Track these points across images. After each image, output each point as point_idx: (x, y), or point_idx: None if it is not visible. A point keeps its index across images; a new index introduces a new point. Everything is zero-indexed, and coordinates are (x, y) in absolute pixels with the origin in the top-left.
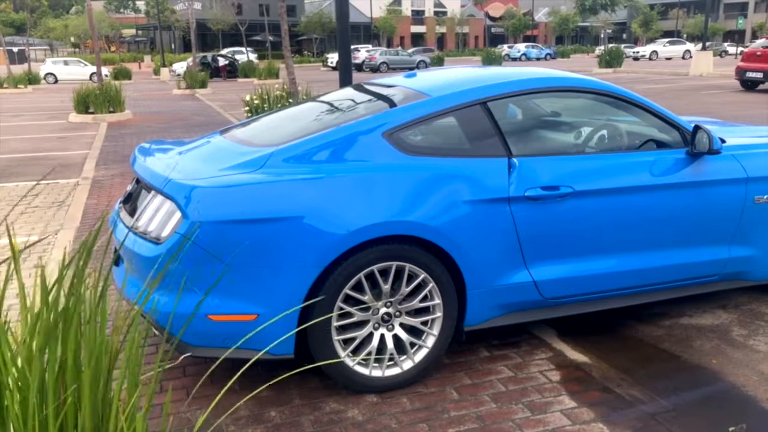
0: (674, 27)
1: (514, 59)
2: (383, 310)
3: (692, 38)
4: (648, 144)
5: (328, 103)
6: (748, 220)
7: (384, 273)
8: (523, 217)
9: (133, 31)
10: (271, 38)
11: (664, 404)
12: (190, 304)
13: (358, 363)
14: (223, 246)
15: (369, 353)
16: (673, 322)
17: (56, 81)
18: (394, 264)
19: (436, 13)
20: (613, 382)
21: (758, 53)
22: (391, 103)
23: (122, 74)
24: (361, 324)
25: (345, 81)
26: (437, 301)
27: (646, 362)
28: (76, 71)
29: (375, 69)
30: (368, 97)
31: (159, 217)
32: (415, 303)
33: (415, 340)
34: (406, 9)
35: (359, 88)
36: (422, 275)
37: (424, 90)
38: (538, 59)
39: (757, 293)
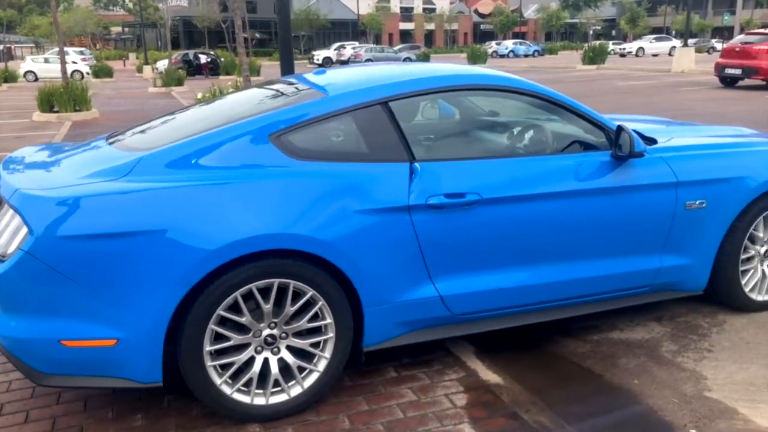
0: (663, 24)
1: (502, 56)
2: (267, 331)
3: (681, 35)
4: (573, 146)
5: (230, 102)
6: (680, 228)
7: (265, 291)
8: (426, 227)
9: (121, 29)
10: (257, 35)
11: None
12: (41, 329)
13: (238, 390)
14: (74, 264)
15: (250, 380)
16: (602, 336)
17: (36, 79)
18: (276, 281)
19: (424, 10)
20: (522, 407)
21: (737, 49)
22: (285, 103)
23: (103, 72)
24: (241, 347)
25: (286, 73)
26: (328, 320)
27: (563, 383)
28: (57, 69)
29: None
30: (269, 94)
31: (6, 232)
32: (303, 323)
33: (304, 364)
34: (395, 6)
35: (269, 84)
36: (310, 293)
37: (323, 88)
38: (526, 56)
39: (695, 304)
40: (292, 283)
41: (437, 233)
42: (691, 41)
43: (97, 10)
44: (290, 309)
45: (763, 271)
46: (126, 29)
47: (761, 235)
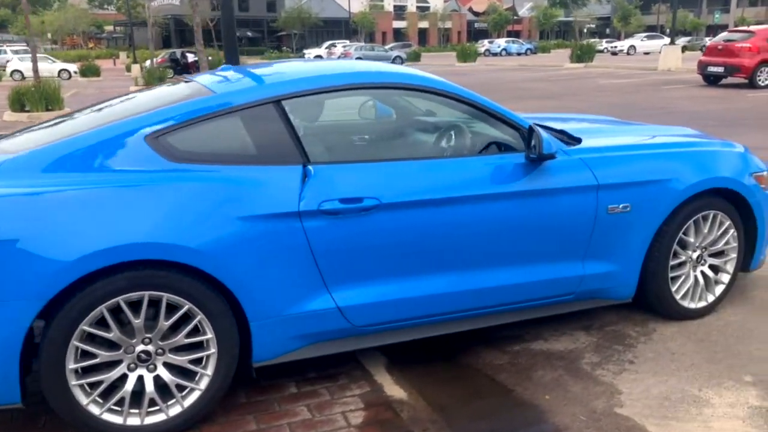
0: (657, 22)
1: (495, 54)
2: (140, 347)
3: (676, 33)
4: (491, 148)
5: (130, 101)
6: (603, 233)
7: (136, 305)
8: (320, 235)
9: (112, 28)
10: (249, 34)
11: None
12: None
13: (109, 410)
14: None
15: (122, 399)
16: (523, 347)
17: (23, 78)
18: (147, 294)
19: (418, 8)
20: (420, 426)
21: (719, 47)
22: (169, 102)
23: (90, 71)
24: (111, 365)
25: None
26: (209, 335)
27: (472, 398)
28: (43, 68)
29: None
30: (167, 93)
31: None
32: (181, 339)
33: (184, 382)
34: (389, 4)
35: (175, 82)
36: (186, 306)
37: (212, 86)
38: (519, 54)
39: (627, 312)
40: (165, 296)
41: (333, 241)
42: (684, 39)
43: (92, 9)
44: (164, 323)
45: (696, 278)
46: (117, 28)
47: (692, 240)
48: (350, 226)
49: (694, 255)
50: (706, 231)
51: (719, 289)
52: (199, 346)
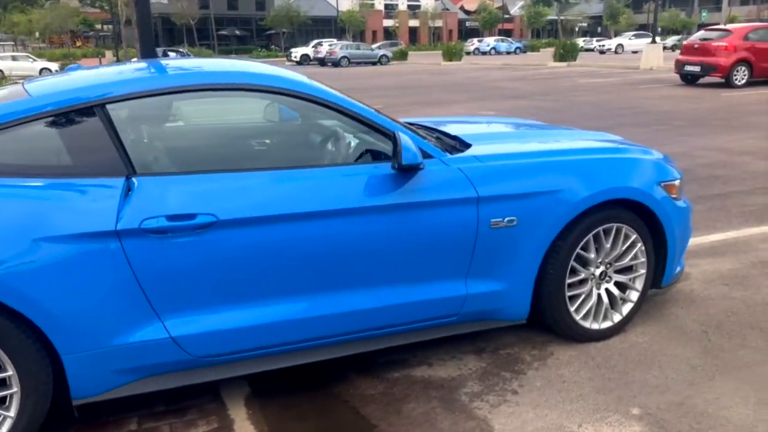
0: (647, 20)
1: (484, 53)
2: None
3: (667, 31)
4: (366, 157)
5: None
6: (487, 249)
7: None
8: (144, 256)
9: (100, 26)
10: (237, 33)
11: None
12: None
13: None
14: None
15: None
16: (404, 373)
17: (4, 77)
18: None
19: (409, 6)
20: None
21: (696, 46)
22: None
23: (71, 70)
24: None
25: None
26: (10, 372)
27: None
28: (24, 66)
29: (336, 63)
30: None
31: None
32: None
33: None
34: (379, 3)
35: (13, 83)
36: None
37: (31, 88)
38: (508, 53)
39: (529, 332)
40: None
41: (161, 263)
42: (674, 38)
43: (83, 7)
44: None
45: (600, 296)
46: (106, 27)
47: (592, 255)
48: (182, 246)
49: (597, 271)
50: (608, 246)
51: (627, 308)
52: (2, 383)
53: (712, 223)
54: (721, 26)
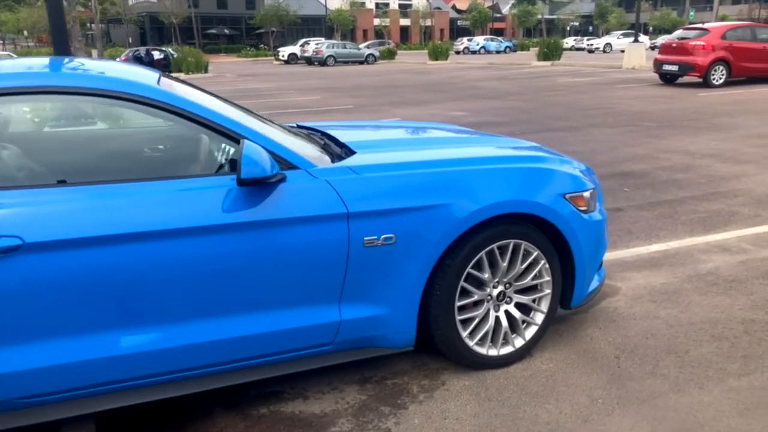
0: (640, 20)
1: (474, 52)
2: None
3: (658, 31)
4: (222, 168)
5: None
6: (362, 271)
7: None
8: None
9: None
10: (227, 31)
11: None
12: None
13: None
14: None
15: None
16: (273, 408)
17: None
18: None
19: (400, 5)
20: None
21: (674, 45)
22: None
23: None
24: None
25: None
26: None
27: None
28: None
29: (322, 62)
30: None
31: None
32: None
33: None
34: (370, 1)
35: None
36: None
37: None
38: (498, 52)
39: (426, 359)
40: None
41: None
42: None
43: (77, 6)
44: None
45: (498, 319)
46: (93, 26)
47: (486, 275)
48: None
49: (495, 292)
50: (505, 264)
51: (531, 332)
52: None
53: (657, 232)
54: (699, 25)
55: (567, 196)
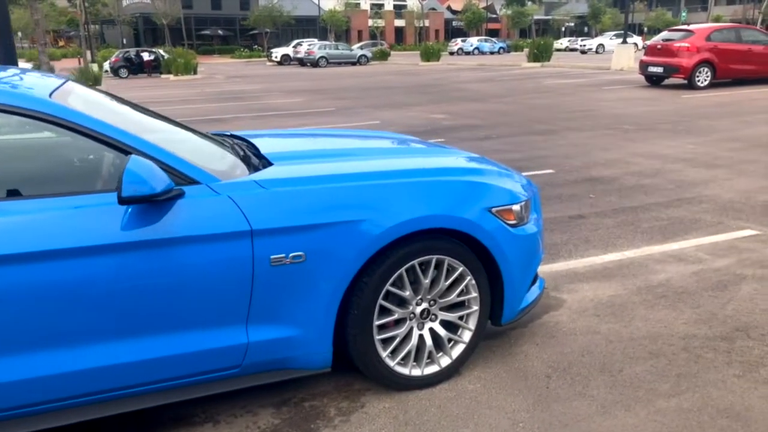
0: (634, 21)
1: (468, 53)
2: None
3: (653, 31)
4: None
5: None
6: (269, 290)
7: None
8: None
9: (95, 27)
10: (221, 32)
11: None
12: None
13: None
14: None
15: None
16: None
17: None
18: None
19: (395, 6)
20: None
21: (659, 47)
22: None
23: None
24: None
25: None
26: None
27: None
28: None
29: (315, 63)
30: None
31: None
32: None
33: None
34: (365, 2)
35: None
36: None
37: None
38: (491, 53)
39: (351, 378)
40: None
41: None
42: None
43: (72, 6)
44: None
45: (422, 337)
46: (90, 27)
47: (407, 293)
48: None
49: (418, 309)
50: (427, 281)
51: (458, 350)
52: None
53: (615, 240)
54: (684, 26)
55: (493, 209)
